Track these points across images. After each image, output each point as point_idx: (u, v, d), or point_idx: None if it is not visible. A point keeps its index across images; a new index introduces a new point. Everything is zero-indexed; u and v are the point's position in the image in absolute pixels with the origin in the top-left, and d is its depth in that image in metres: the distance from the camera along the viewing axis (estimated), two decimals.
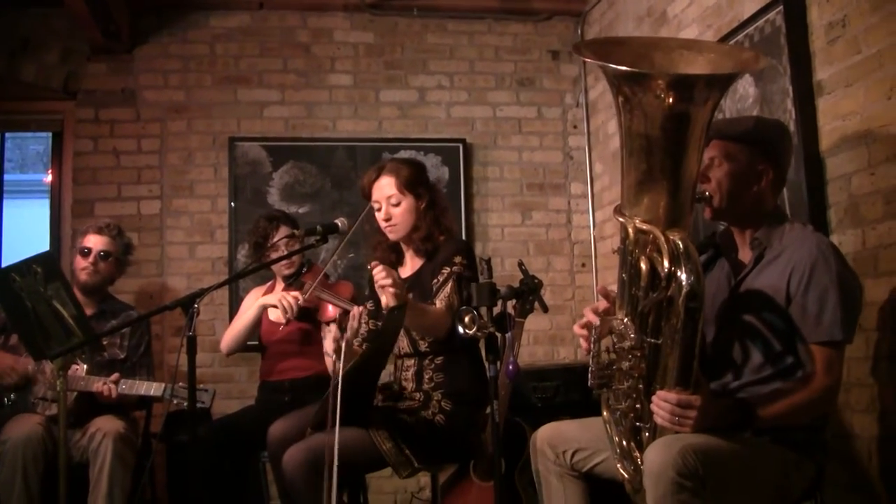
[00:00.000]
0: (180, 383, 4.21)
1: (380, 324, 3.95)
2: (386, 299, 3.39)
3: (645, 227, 2.60)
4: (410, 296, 3.57)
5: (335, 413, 3.22)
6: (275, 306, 4.41)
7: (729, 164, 2.95)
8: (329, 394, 3.34)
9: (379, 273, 3.40)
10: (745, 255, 3.03)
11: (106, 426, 4.17)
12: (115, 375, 4.25)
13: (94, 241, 4.67)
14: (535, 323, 6.06)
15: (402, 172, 3.87)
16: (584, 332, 2.95)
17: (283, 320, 4.29)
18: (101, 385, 4.23)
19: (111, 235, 4.72)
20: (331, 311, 4.32)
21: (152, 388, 4.27)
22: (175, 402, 4.24)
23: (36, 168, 11.13)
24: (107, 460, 4.08)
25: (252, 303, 4.80)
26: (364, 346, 3.92)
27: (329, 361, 3.68)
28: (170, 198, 6.02)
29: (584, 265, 6.35)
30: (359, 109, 6.27)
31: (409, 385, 3.84)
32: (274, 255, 4.55)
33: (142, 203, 5.99)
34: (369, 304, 4.04)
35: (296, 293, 4.33)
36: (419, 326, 3.69)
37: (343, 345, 3.48)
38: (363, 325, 4.00)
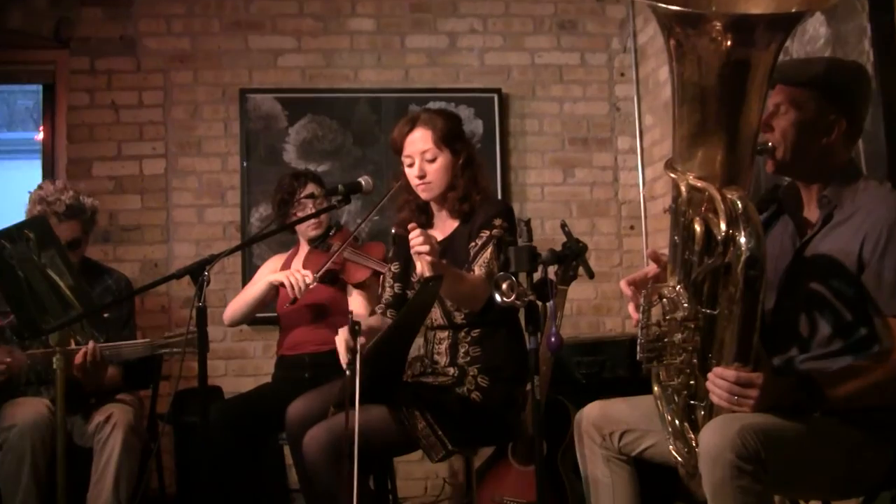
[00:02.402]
0: (167, 333, 4.24)
1: (407, 291, 3.98)
2: (421, 267, 3.38)
3: (699, 184, 2.58)
4: (444, 261, 3.57)
5: (353, 393, 3.23)
6: (282, 283, 4.42)
7: (795, 113, 2.89)
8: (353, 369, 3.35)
9: (417, 238, 3.38)
10: (812, 213, 2.97)
11: (116, 415, 4.15)
12: (90, 344, 4.15)
13: (56, 232, 4.13)
14: (578, 291, 6.07)
15: (439, 125, 3.85)
16: (630, 291, 2.94)
17: (291, 297, 4.33)
18: (80, 356, 4.11)
19: (72, 216, 4.44)
20: (359, 273, 4.40)
21: (139, 348, 4.22)
22: (164, 353, 4.23)
23: (26, 125, 11.15)
24: (115, 453, 4.07)
25: (268, 270, 4.83)
26: (389, 314, 3.94)
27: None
28: (175, 156, 6.06)
29: (632, 227, 6.34)
30: (383, 57, 6.27)
31: (443, 359, 3.85)
32: (299, 215, 4.58)
33: (144, 162, 6.04)
34: (394, 266, 4.05)
35: (307, 272, 4.36)
36: (455, 296, 3.68)
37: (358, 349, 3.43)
38: (387, 290, 4.02)
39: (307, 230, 4.74)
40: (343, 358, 3.42)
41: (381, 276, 4.17)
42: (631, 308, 2.96)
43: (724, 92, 2.51)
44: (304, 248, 4.84)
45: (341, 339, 3.46)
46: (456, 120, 3.97)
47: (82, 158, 5.97)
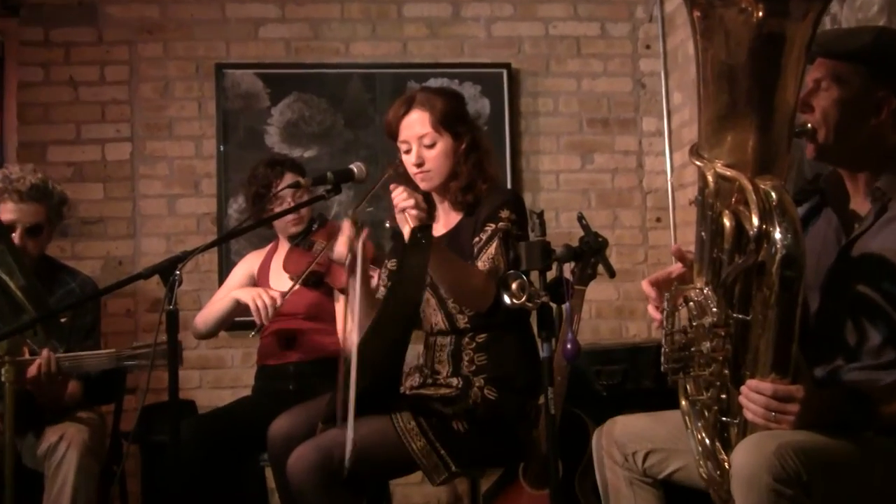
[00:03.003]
0: (135, 343, 4.21)
1: None
2: (408, 223, 3.40)
3: (728, 172, 2.58)
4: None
5: (346, 398, 3.23)
6: (247, 305, 4.41)
7: (838, 90, 2.86)
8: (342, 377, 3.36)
9: (399, 194, 3.41)
10: (860, 206, 2.95)
11: (71, 434, 4.11)
12: (44, 352, 4.08)
13: (16, 213, 4.33)
14: (598, 291, 6.08)
15: (438, 105, 3.84)
16: (654, 292, 2.95)
17: (258, 322, 4.33)
18: (34, 368, 4.06)
19: (37, 199, 4.39)
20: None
21: (103, 359, 4.17)
22: (131, 366, 4.19)
23: None
24: (69, 478, 4.02)
25: (240, 272, 4.84)
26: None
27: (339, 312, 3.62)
28: (143, 140, 6.08)
29: (659, 220, 6.36)
30: (377, 28, 6.28)
31: (444, 369, 3.86)
32: (277, 210, 4.56)
33: (107, 147, 6.05)
34: (391, 264, 4.06)
35: (275, 293, 4.37)
36: (451, 283, 3.66)
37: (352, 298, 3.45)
38: (381, 289, 4.03)
39: (287, 226, 4.73)
40: (342, 246, 3.50)
41: (377, 273, 4.15)
42: (651, 308, 2.96)
43: (756, 69, 2.52)
44: (283, 246, 4.83)
45: (342, 234, 3.53)
46: (457, 99, 3.98)
47: (35, 142, 5.98)
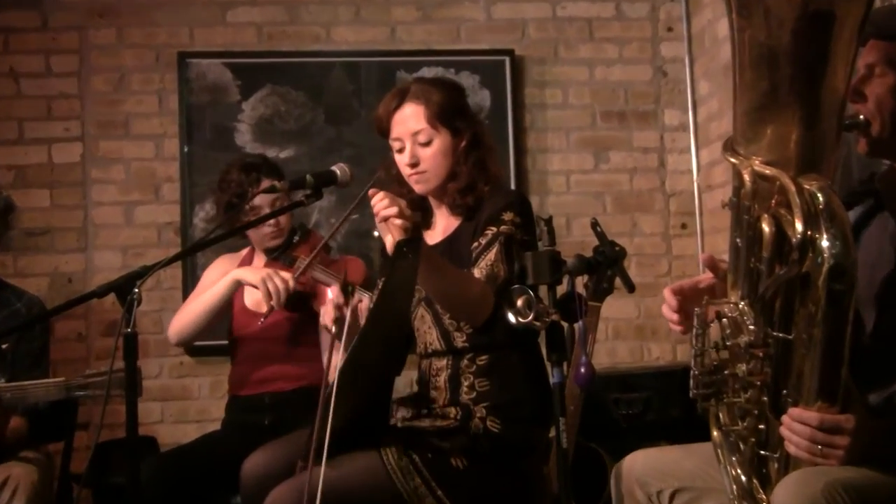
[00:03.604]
0: (88, 371, 4.18)
1: None
2: (392, 235, 3.36)
3: (768, 171, 2.57)
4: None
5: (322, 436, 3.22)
6: (255, 286, 4.38)
7: (895, 76, 2.89)
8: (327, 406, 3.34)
9: (380, 201, 3.39)
10: None
11: (15, 477, 4.08)
12: None
13: None
14: (615, 308, 6.06)
15: (435, 98, 3.82)
16: (675, 301, 2.94)
17: (265, 309, 4.30)
18: None
19: None
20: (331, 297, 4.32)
21: (51, 389, 4.12)
22: (83, 397, 4.17)
23: None
24: None
25: (214, 277, 4.77)
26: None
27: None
28: (95, 139, 6.08)
29: (684, 226, 6.36)
30: (362, 11, 6.29)
31: (441, 396, 3.82)
32: (252, 219, 4.50)
33: (55, 147, 6.05)
34: (381, 284, 4.04)
35: (286, 274, 4.33)
36: (444, 295, 3.64)
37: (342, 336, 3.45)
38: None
39: (263, 239, 4.69)
40: (328, 316, 3.47)
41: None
42: (666, 309, 2.95)
43: (801, 52, 2.50)
44: (260, 259, 4.80)
45: (330, 301, 3.52)
46: (456, 91, 3.97)
47: None
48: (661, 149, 6.41)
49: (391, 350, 3.67)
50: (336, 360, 3.36)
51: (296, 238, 4.69)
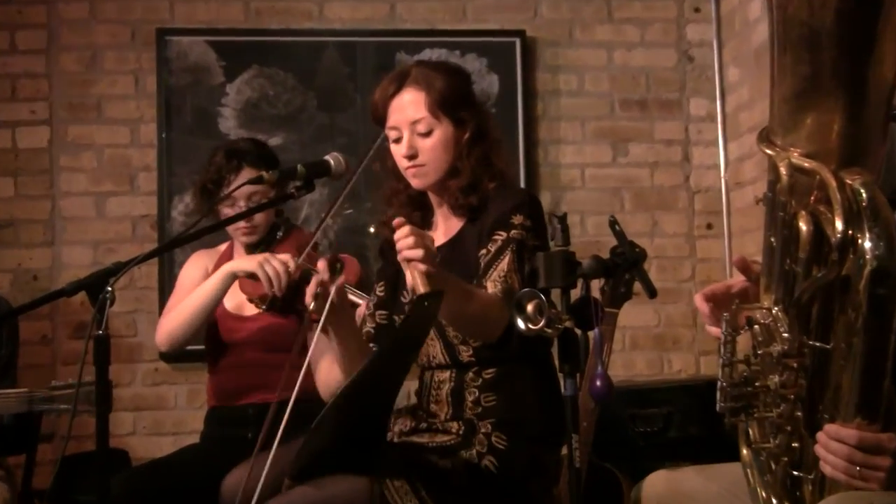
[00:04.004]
0: (54, 382, 4.16)
1: (395, 316, 3.95)
2: (413, 280, 3.27)
3: (807, 164, 2.56)
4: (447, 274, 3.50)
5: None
6: (253, 275, 4.31)
7: None
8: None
9: (405, 238, 3.28)
10: None
11: None
12: None
13: None
14: (633, 315, 6.04)
15: (437, 84, 3.80)
16: (708, 308, 2.93)
17: (268, 294, 4.22)
18: None
19: None
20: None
21: (11, 401, 4.12)
22: (48, 411, 4.16)
23: None
24: None
25: (195, 273, 4.75)
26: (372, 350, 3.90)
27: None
28: (64, 123, 6.08)
29: (710, 227, 6.37)
30: None
31: (443, 410, 3.81)
32: (230, 212, 4.49)
33: (19, 132, 6.06)
34: (379, 289, 4.03)
35: (284, 256, 4.27)
36: (461, 321, 3.61)
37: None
38: (368, 320, 3.99)
39: (236, 234, 4.67)
40: (310, 292, 3.44)
41: (365, 303, 4.10)
42: (708, 324, 2.94)
43: (845, 33, 2.48)
44: (240, 254, 4.75)
45: (316, 276, 3.47)
46: (461, 77, 3.95)
47: None
48: (686, 141, 6.42)
49: (394, 384, 3.65)
50: (312, 338, 3.35)
51: (279, 234, 4.65)
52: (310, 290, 3.49)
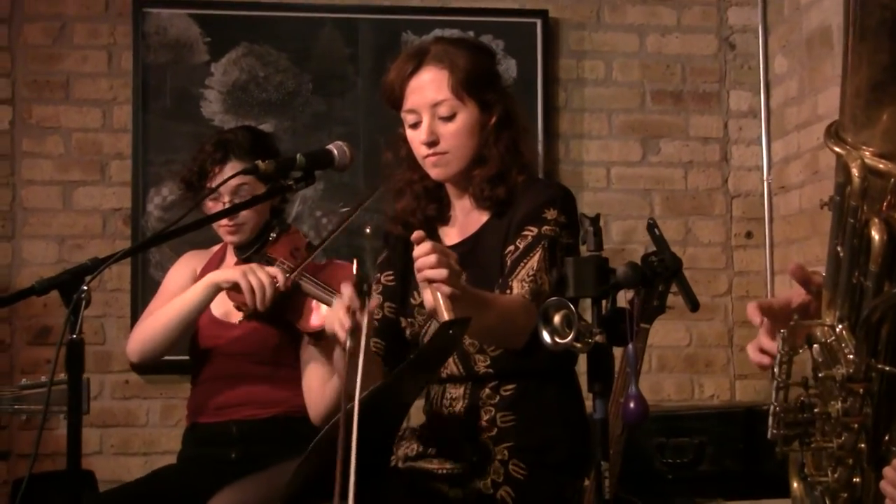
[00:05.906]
0: (24, 380, 4.16)
1: (401, 318, 3.95)
2: (436, 304, 3.19)
3: (882, 165, 2.54)
4: (464, 277, 3.41)
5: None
6: (236, 286, 4.30)
7: None
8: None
9: (426, 257, 3.19)
10: None
11: None
12: None
13: None
14: (661, 334, 6.10)
15: (461, 63, 3.78)
16: (760, 317, 2.92)
17: (248, 306, 4.22)
18: None
19: None
20: (316, 315, 4.26)
21: None
22: (21, 413, 4.16)
23: None
24: None
25: (181, 277, 4.76)
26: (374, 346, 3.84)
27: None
28: (27, 103, 6.09)
29: (749, 235, 6.37)
30: None
31: (454, 431, 3.80)
32: (214, 207, 4.49)
33: None
34: (386, 277, 4.03)
35: (273, 269, 4.28)
36: (482, 331, 3.58)
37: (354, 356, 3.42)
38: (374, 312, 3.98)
39: (219, 233, 4.65)
40: (340, 331, 3.27)
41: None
42: (764, 339, 2.93)
43: None
44: (231, 258, 4.76)
45: (341, 303, 3.32)
46: (487, 55, 3.97)
47: None
48: (725, 139, 6.43)
49: (404, 407, 3.66)
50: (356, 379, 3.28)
51: (272, 234, 4.63)
52: (340, 328, 3.29)
